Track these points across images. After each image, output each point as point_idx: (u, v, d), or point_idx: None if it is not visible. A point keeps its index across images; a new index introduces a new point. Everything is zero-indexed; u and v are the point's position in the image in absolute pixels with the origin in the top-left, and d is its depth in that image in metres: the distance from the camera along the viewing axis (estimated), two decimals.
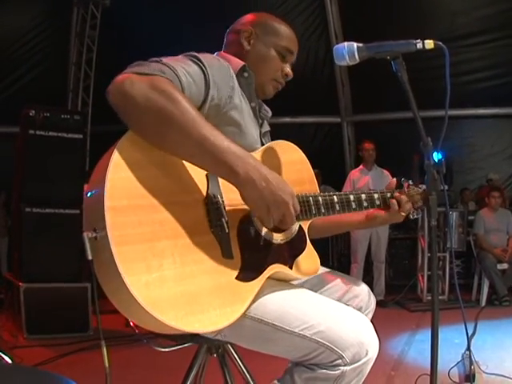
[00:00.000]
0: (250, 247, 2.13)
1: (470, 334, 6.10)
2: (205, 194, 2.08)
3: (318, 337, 2.05)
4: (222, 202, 2.10)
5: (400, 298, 9.14)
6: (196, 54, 2.22)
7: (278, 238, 2.25)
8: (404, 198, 2.56)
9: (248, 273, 2.08)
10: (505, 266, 9.04)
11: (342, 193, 2.46)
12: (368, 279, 9.49)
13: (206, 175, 2.11)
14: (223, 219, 2.07)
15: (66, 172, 7.00)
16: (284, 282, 2.31)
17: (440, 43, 2.23)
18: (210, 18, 9.18)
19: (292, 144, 2.55)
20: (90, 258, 1.87)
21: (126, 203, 1.88)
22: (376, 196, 2.54)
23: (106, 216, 1.81)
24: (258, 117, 2.54)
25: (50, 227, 6.84)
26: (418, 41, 2.23)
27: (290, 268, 2.28)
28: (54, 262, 6.74)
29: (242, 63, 2.46)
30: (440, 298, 9.13)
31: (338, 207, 2.41)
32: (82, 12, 10.51)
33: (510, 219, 9.58)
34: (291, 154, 2.54)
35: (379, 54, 2.30)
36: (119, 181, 1.87)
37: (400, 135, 10.65)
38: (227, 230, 2.07)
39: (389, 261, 9.72)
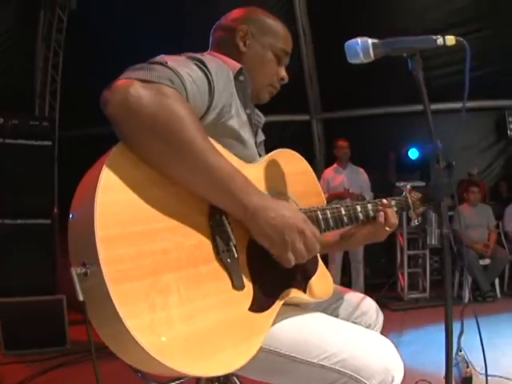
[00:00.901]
0: (261, 272, 1.92)
1: (458, 334, 6.00)
2: (208, 214, 1.86)
3: (340, 366, 1.88)
4: (228, 222, 1.87)
5: (380, 297, 9.03)
6: (200, 57, 1.98)
7: None
8: (390, 210, 2.37)
9: (261, 302, 1.88)
10: (487, 261, 8.97)
11: (347, 204, 2.30)
12: (345, 280, 9.44)
13: None
14: (231, 243, 1.86)
15: (36, 180, 6.75)
16: (295, 306, 2.11)
17: (461, 39, 2.15)
18: (177, 21, 9.01)
19: (295, 153, 2.36)
20: (81, 298, 1.61)
21: (121, 231, 1.62)
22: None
23: (98, 249, 1.54)
24: (252, 125, 2.29)
25: (22, 238, 6.59)
26: (439, 37, 2.12)
27: (304, 292, 2.10)
28: (28, 274, 6.47)
29: (239, 66, 2.19)
30: (421, 295, 9.15)
31: (345, 220, 2.26)
32: (48, 16, 10.31)
33: (490, 214, 9.52)
34: (295, 164, 2.35)
35: (396, 50, 2.14)
36: (111, 205, 1.61)
37: (371, 132, 10.60)
38: (236, 255, 1.86)
39: (365, 260, 9.62)
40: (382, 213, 2.33)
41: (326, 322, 2.07)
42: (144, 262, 1.64)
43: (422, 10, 9.49)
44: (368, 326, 2.40)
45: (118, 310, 1.53)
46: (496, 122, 10.87)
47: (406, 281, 9.21)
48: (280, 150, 2.29)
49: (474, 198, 9.49)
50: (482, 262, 8.94)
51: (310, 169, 2.43)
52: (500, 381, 4.66)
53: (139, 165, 1.72)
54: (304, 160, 2.40)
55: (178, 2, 9.16)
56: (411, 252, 9.51)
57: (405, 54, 2.13)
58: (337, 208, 2.23)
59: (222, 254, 1.82)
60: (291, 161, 2.32)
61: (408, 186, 2.55)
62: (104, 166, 1.63)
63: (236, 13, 2.41)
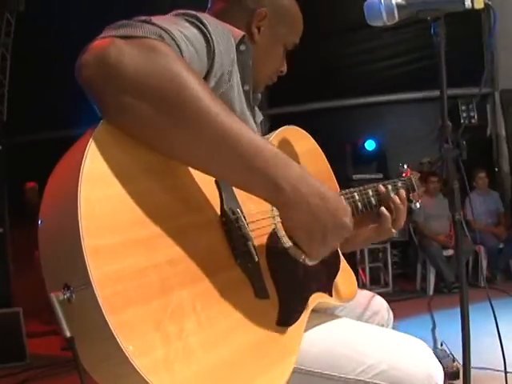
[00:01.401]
0: (285, 277, 1.60)
1: (431, 327, 5.98)
2: (219, 209, 1.48)
3: (380, 379, 1.66)
4: (244, 218, 1.51)
5: None
6: (194, 12, 1.55)
7: None
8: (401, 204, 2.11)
9: (289, 313, 1.57)
10: (450, 252, 8.76)
11: (359, 188, 2.06)
12: None
13: (216, 182, 1.50)
14: (249, 243, 1.49)
15: None
16: (317, 313, 1.82)
17: (488, 2, 1.94)
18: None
19: (302, 130, 2.07)
20: (68, 334, 1.16)
21: (115, 239, 1.20)
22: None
23: (88, 264, 1.12)
24: (250, 103, 1.91)
25: None
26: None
27: (331, 295, 1.85)
28: None
29: (242, 33, 1.75)
30: (384, 290, 8.93)
31: (360, 206, 2.03)
32: None
33: None
34: (305, 143, 2.07)
35: (422, 12, 1.96)
36: (99, 203, 1.19)
37: (324, 126, 10.50)
38: (256, 259, 1.50)
39: None
40: (384, 209, 2.08)
41: (356, 329, 1.85)
42: (148, 278, 1.23)
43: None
44: (381, 327, 2.18)
45: (122, 346, 1.12)
46: (448, 111, 10.81)
47: (367, 276, 9.10)
48: (287, 126, 2.01)
49: (433, 187, 9.34)
50: (445, 253, 8.80)
51: (319, 148, 2.16)
52: (489, 373, 4.42)
53: (130, 148, 1.30)
54: (311, 138, 2.13)
55: (132, 4, 8.92)
56: (371, 246, 9.22)
57: (429, 18, 1.98)
58: (351, 193, 2.02)
59: (240, 257, 1.48)
60: (300, 139, 2.07)
61: (405, 167, 2.34)
62: (86, 151, 1.20)
63: None
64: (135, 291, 1.19)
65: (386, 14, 1.93)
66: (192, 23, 1.50)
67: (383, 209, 2.06)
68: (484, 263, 8.96)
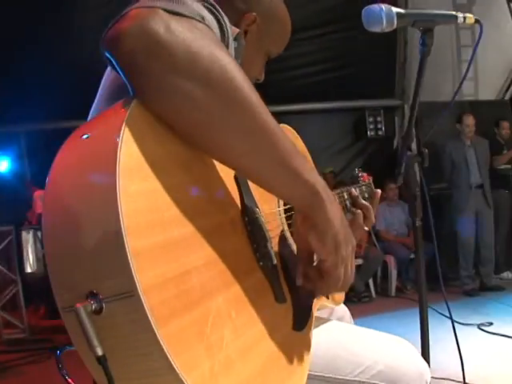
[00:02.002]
0: (295, 281, 1.51)
1: None
2: (240, 206, 1.39)
3: (379, 379, 1.71)
4: (262, 218, 1.43)
5: None
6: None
7: None
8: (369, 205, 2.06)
9: (301, 317, 1.53)
10: (359, 261, 8.81)
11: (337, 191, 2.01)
12: None
13: (236, 178, 1.40)
14: (269, 245, 1.41)
15: None
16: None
17: (478, 18, 2.11)
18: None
19: (291, 129, 1.99)
20: (100, 352, 1.00)
21: (157, 239, 1.05)
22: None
23: (133, 269, 0.96)
24: None
25: None
26: (459, 14, 2.08)
27: (328, 298, 1.88)
28: None
29: (237, 30, 1.61)
30: None
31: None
32: None
33: None
34: (299, 144, 2.02)
35: (418, 22, 2.04)
36: (139, 198, 1.04)
37: None
38: (275, 261, 1.43)
39: None
40: (359, 210, 2.00)
41: (348, 331, 1.90)
42: (189, 283, 1.10)
43: (288, 9, 9.37)
44: None
45: (172, 361, 0.98)
46: (355, 123, 10.95)
47: None
48: (282, 125, 1.91)
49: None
50: (354, 263, 8.77)
51: (307, 151, 2.10)
52: None
53: (161, 137, 1.16)
54: (300, 140, 2.07)
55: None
56: None
57: (421, 28, 2.06)
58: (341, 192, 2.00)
59: (262, 259, 1.40)
60: (296, 138, 2.02)
61: (360, 172, 2.36)
62: (120, 136, 1.04)
63: None
64: (179, 299, 1.05)
65: (385, 21, 1.96)
66: (208, 8, 1.37)
67: (357, 210, 2.01)
68: (394, 273, 9.14)
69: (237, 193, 1.40)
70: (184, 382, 0.99)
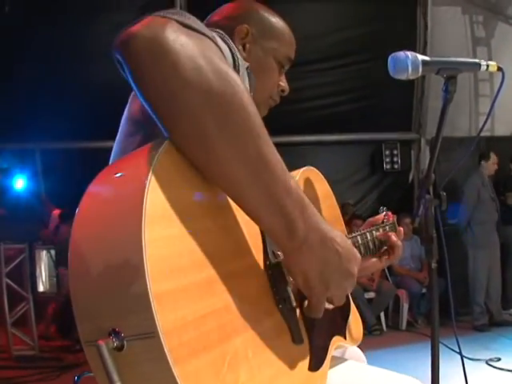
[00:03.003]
0: (312, 321, 1.53)
1: None
2: (262, 252, 1.42)
3: None
4: (283, 261, 1.42)
5: None
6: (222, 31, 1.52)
7: None
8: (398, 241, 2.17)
9: (318, 358, 1.53)
10: (371, 294, 8.88)
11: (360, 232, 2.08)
12: None
13: None
14: (289, 288, 1.43)
15: None
16: None
17: (501, 66, 2.14)
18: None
19: (318, 172, 2.05)
20: None
21: (179, 283, 1.09)
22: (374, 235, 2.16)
23: (155, 311, 1.00)
24: None
25: None
26: (483, 62, 2.11)
27: (345, 337, 1.86)
28: None
29: (246, 64, 1.69)
30: None
31: (362, 249, 2.05)
32: None
33: None
34: (323, 186, 2.06)
35: (443, 70, 2.04)
36: (162, 244, 1.08)
37: None
38: (294, 304, 1.45)
39: None
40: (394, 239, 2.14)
41: (362, 371, 1.87)
42: (208, 325, 1.14)
43: (304, 40, 9.42)
44: None
45: None
46: (371, 155, 10.90)
47: None
48: (309, 167, 2.01)
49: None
50: (366, 296, 8.84)
51: (331, 191, 2.16)
52: None
53: (190, 182, 1.21)
54: (326, 182, 2.12)
55: None
56: None
57: (445, 75, 2.05)
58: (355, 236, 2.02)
59: (282, 302, 1.42)
60: (319, 181, 2.05)
61: (386, 211, 2.37)
62: (147, 184, 1.08)
63: (231, 8, 1.92)
64: (198, 340, 1.09)
65: (411, 69, 1.96)
66: (224, 42, 1.49)
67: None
68: (405, 307, 9.07)
69: (259, 237, 1.42)
70: None
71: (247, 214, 1.27)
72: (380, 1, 9.59)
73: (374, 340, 8.10)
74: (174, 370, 0.99)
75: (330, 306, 1.56)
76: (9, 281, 7.39)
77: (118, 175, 1.16)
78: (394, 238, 2.12)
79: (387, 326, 9.05)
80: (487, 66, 2.10)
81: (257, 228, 1.39)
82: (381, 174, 10.88)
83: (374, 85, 9.75)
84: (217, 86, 1.15)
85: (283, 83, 1.94)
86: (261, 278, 1.39)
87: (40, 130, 8.36)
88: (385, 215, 2.31)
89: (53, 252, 8.32)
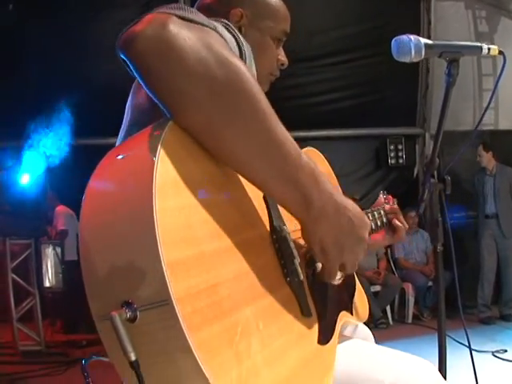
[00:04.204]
0: (321, 296, 1.59)
1: None
2: (268, 224, 1.45)
3: None
4: (289, 235, 1.47)
5: None
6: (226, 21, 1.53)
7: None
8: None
9: (326, 331, 1.55)
10: (377, 288, 8.91)
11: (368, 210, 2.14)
12: None
13: (264, 198, 1.46)
14: (296, 261, 1.46)
15: None
16: None
17: (502, 50, 2.18)
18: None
19: (319, 152, 2.09)
20: (133, 357, 1.04)
21: (191, 252, 1.11)
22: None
23: (168, 279, 1.02)
24: None
25: None
26: (485, 45, 2.16)
27: (352, 314, 1.88)
28: None
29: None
30: None
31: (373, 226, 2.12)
32: None
33: None
34: (323, 166, 2.06)
35: (446, 53, 2.10)
36: (174, 213, 1.10)
37: None
38: (302, 277, 1.47)
39: None
40: (399, 223, 2.23)
41: (370, 349, 1.83)
42: (220, 294, 1.15)
43: (308, 35, 9.43)
44: None
45: (202, 367, 1.02)
46: (376, 150, 10.89)
47: None
48: (309, 148, 1.98)
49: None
50: (372, 289, 8.86)
51: (333, 173, 2.18)
52: None
53: (197, 157, 1.23)
54: (327, 162, 2.15)
55: None
56: None
57: (447, 58, 2.11)
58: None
59: (290, 275, 1.45)
60: (321, 161, 2.09)
61: (385, 194, 2.45)
62: (157, 155, 1.10)
63: None
64: (211, 308, 1.10)
65: (414, 52, 2.03)
66: (229, 31, 1.49)
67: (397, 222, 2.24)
68: (411, 300, 9.10)
69: (265, 211, 1.45)
70: None
71: (262, 190, 1.34)
72: None
73: (380, 333, 8.04)
74: (188, 338, 1.01)
75: (338, 282, 1.62)
76: (15, 276, 7.42)
77: (122, 156, 1.20)
78: (396, 221, 2.21)
79: (393, 320, 9.07)
80: (489, 49, 2.13)
81: (262, 202, 1.44)
82: (386, 169, 10.84)
83: (378, 80, 9.76)
84: (221, 76, 1.18)
85: (282, 57, 1.96)
86: (268, 251, 1.41)
87: (44, 127, 8.38)
88: (385, 199, 2.36)
89: (58, 249, 8.35)
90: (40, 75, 8.22)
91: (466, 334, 2.40)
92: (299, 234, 1.50)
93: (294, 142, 1.28)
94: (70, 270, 8.22)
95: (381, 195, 2.42)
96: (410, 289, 9.07)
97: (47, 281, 8.07)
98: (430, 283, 9.04)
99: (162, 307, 1.02)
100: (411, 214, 9.25)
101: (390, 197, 2.40)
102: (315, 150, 2.05)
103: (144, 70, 1.19)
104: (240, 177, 1.34)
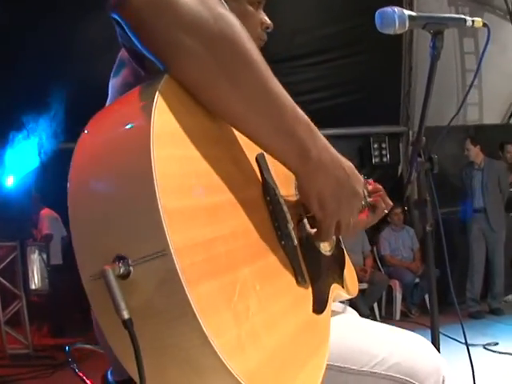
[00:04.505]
0: (313, 264, 1.54)
1: None
2: (261, 186, 1.41)
3: (394, 371, 1.62)
4: (282, 197, 1.45)
5: None
6: None
7: (325, 247, 1.74)
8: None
9: (320, 300, 1.51)
10: (364, 285, 8.86)
11: None
12: None
13: (257, 160, 1.43)
14: (289, 226, 1.43)
15: None
16: None
17: (486, 22, 2.21)
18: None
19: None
20: (126, 316, 0.98)
21: (187, 203, 1.06)
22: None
23: (166, 228, 0.96)
24: None
25: None
26: (468, 18, 2.17)
27: (343, 287, 1.83)
28: None
29: None
30: None
31: None
32: None
33: (364, 238, 9.44)
34: None
35: (429, 25, 2.11)
36: (170, 162, 1.05)
37: None
38: (296, 242, 1.44)
39: None
40: (379, 198, 2.17)
41: (362, 324, 1.84)
42: (217, 249, 1.10)
43: (291, 35, 9.43)
44: None
45: (202, 324, 0.97)
46: (360, 149, 10.93)
47: None
48: None
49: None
50: (360, 287, 8.75)
51: None
52: None
53: (194, 111, 1.19)
54: None
55: None
56: None
57: (432, 31, 2.13)
58: None
59: (285, 239, 1.41)
60: None
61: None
62: (154, 104, 1.06)
63: None
64: (208, 263, 1.05)
65: (398, 23, 2.03)
66: None
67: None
68: (399, 297, 9.11)
69: (258, 173, 1.41)
70: (213, 346, 0.98)
71: (258, 144, 1.30)
72: None
73: None
74: (186, 291, 0.95)
75: (329, 253, 1.66)
76: (1, 279, 7.36)
77: (117, 107, 1.20)
78: (381, 201, 2.17)
79: (381, 317, 9.06)
80: (473, 21, 2.15)
81: (255, 163, 1.42)
82: (370, 168, 10.86)
83: (361, 78, 9.78)
84: (216, 29, 1.17)
85: (265, 20, 1.90)
86: (262, 212, 1.37)
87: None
88: (364, 183, 2.34)
89: (44, 255, 8.29)
90: (28, 74, 8.16)
91: (462, 328, 2.40)
92: (289, 199, 1.52)
93: (289, 96, 1.28)
94: (56, 273, 8.16)
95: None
96: (397, 286, 9.06)
97: (33, 284, 8.00)
98: (417, 280, 9.07)
99: (158, 259, 0.96)
100: (397, 211, 9.28)
101: (371, 181, 2.36)
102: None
103: (138, 24, 1.17)
104: (235, 135, 1.33)
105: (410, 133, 10.58)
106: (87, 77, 8.14)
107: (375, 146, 10.76)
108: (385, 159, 10.78)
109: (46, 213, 8.81)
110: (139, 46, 1.20)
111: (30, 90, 8.10)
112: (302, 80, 9.76)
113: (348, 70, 9.88)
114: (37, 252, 8.19)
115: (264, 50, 1.81)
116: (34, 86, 8.04)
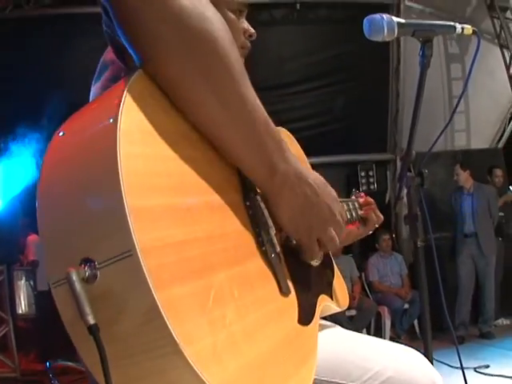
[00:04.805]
0: (298, 274, 1.48)
1: None
2: (240, 190, 1.35)
3: None
4: (263, 202, 1.39)
5: None
6: None
7: None
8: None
9: (306, 312, 1.46)
10: (353, 312, 8.77)
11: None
12: None
13: None
14: (271, 231, 1.38)
15: None
16: None
17: (476, 29, 2.21)
18: None
19: (290, 133, 2.02)
20: (92, 321, 0.93)
21: (158, 202, 1.01)
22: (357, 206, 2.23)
23: (131, 227, 0.91)
24: None
25: None
26: (458, 25, 2.15)
27: (332, 298, 1.80)
28: None
29: None
30: None
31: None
32: None
33: (352, 265, 9.36)
34: (296, 148, 2.03)
35: (418, 32, 2.09)
36: (139, 161, 1.01)
37: None
38: (278, 249, 1.39)
39: None
40: (371, 212, 2.24)
41: (357, 337, 1.83)
42: (190, 252, 1.04)
43: (280, 63, 9.49)
44: None
45: (172, 329, 0.92)
46: (347, 177, 10.93)
47: None
48: (280, 128, 1.85)
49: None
50: (347, 313, 8.71)
51: (304, 155, 2.12)
52: None
53: (166, 108, 1.15)
54: (298, 144, 2.10)
55: None
56: None
57: (421, 39, 2.11)
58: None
59: (266, 245, 1.35)
60: (293, 143, 2.03)
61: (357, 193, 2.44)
62: (122, 103, 1.02)
63: None
64: (179, 266, 1.00)
65: (387, 30, 2.01)
66: None
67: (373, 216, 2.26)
68: (387, 324, 9.01)
69: (237, 177, 1.36)
70: (184, 355, 0.92)
71: (227, 154, 1.27)
72: (352, 21, 9.73)
73: None
74: (153, 293, 0.91)
75: (316, 264, 1.62)
76: None
77: (89, 107, 1.17)
78: (372, 214, 2.24)
79: None
80: (462, 28, 2.15)
81: (234, 167, 1.36)
82: None
83: (348, 106, 9.83)
84: (198, 28, 1.16)
85: (248, 28, 1.88)
86: (242, 217, 1.30)
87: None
88: (357, 196, 2.36)
89: (31, 281, 8.23)
90: (17, 98, 8.17)
91: (458, 351, 2.45)
92: None
93: (263, 108, 1.27)
94: (43, 298, 8.09)
95: (353, 195, 2.41)
96: (385, 312, 8.97)
97: (20, 309, 7.94)
98: (406, 306, 9.00)
99: (124, 260, 0.92)
100: (385, 237, 9.27)
101: (362, 194, 2.40)
102: (285, 130, 1.99)
103: (124, 10, 1.14)
104: None
105: (397, 160, 10.58)
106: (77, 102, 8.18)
107: (362, 173, 10.73)
108: (372, 187, 10.73)
109: (33, 239, 8.74)
110: (120, 34, 1.18)
111: (18, 115, 8.10)
112: (290, 108, 9.76)
113: (335, 98, 9.92)
114: (24, 277, 8.13)
115: (249, 61, 1.82)
116: (25, 110, 8.05)
